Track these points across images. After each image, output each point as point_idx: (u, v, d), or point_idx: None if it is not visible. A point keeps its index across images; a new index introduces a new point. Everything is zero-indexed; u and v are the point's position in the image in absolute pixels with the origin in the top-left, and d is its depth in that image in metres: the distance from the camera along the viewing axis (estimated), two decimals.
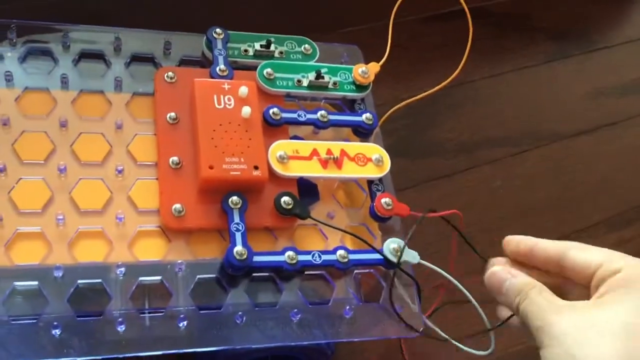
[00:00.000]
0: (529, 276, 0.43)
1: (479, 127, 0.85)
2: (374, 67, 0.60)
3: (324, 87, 0.58)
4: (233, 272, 0.49)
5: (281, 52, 0.60)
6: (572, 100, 0.94)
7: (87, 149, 0.51)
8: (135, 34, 0.57)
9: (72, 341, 0.44)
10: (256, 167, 0.51)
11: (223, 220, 0.50)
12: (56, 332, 0.44)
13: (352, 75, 0.59)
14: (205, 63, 0.58)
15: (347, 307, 0.50)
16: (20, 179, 0.49)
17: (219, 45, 0.57)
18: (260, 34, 0.60)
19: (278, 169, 0.52)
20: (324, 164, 0.54)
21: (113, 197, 0.50)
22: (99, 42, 0.56)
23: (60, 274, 0.45)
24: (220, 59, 0.56)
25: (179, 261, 0.48)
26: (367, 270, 0.53)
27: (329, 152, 0.54)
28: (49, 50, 0.55)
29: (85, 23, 0.57)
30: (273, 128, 0.55)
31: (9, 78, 0.52)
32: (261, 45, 0.59)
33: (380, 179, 0.56)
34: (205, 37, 0.58)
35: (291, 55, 0.60)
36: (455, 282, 0.51)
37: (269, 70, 0.57)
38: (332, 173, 0.54)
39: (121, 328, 0.45)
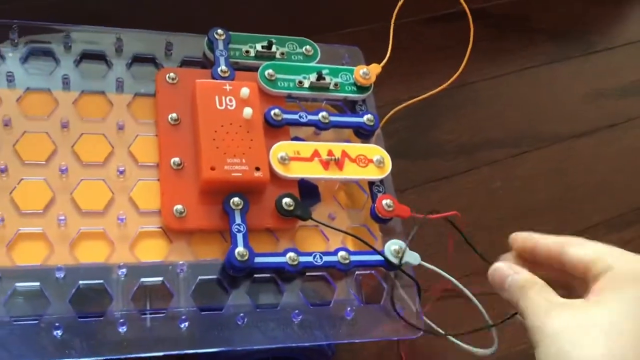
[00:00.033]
0: (531, 273, 0.43)
1: (478, 129, 0.85)
2: (375, 69, 0.60)
3: (325, 89, 0.58)
4: (234, 273, 0.49)
5: (282, 53, 0.60)
6: (572, 102, 0.94)
7: (89, 150, 0.51)
8: (137, 35, 0.57)
9: (73, 342, 0.44)
10: (257, 169, 0.51)
11: (224, 221, 0.50)
12: (57, 332, 0.44)
13: (354, 76, 0.59)
14: (206, 64, 0.58)
15: (348, 308, 0.50)
16: (22, 179, 0.49)
17: (221, 46, 0.57)
18: (261, 35, 0.60)
19: (279, 170, 0.52)
20: (325, 165, 0.54)
21: (114, 197, 0.50)
22: (100, 43, 0.56)
23: (62, 275, 0.45)
24: (222, 60, 0.56)
25: (181, 262, 0.48)
26: (368, 272, 0.53)
27: (330, 153, 0.54)
28: (51, 50, 0.55)
29: (85, 23, 0.57)
30: (274, 129, 0.55)
31: (10, 78, 0.52)
32: (262, 46, 0.59)
33: (381, 181, 0.56)
34: (206, 38, 0.58)
35: (292, 57, 0.60)
36: (456, 282, 0.51)
37: (270, 71, 0.57)
38: (333, 174, 0.54)
39: (122, 329, 0.45)
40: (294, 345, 0.49)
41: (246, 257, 0.48)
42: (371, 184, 0.56)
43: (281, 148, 0.53)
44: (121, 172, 0.51)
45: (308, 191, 0.54)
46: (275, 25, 0.65)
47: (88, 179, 0.50)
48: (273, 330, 0.48)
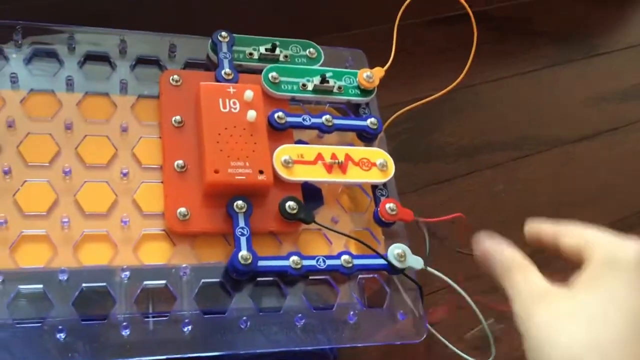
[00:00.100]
0: (517, 251, 0.42)
1: (480, 132, 0.85)
2: (378, 72, 0.60)
3: (329, 92, 0.58)
4: (237, 277, 0.49)
5: (286, 56, 0.59)
6: (574, 105, 0.94)
7: (92, 152, 0.51)
8: (141, 37, 0.57)
9: (76, 345, 0.44)
10: (261, 172, 0.51)
11: (228, 224, 0.50)
12: (61, 335, 0.44)
13: (357, 79, 0.59)
14: (210, 66, 0.58)
15: (351, 312, 0.50)
16: (25, 181, 0.49)
17: (224, 48, 0.57)
18: (265, 38, 0.60)
19: (283, 173, 0.52)
20: (329, 168, 0.54)
21: (118, 200, 0.50)
22: (104, 44, 0.56)
23: (65, 277, 0.45)
24: (226, 63, 0.56)
25: (184, 265, 0.48)
26: (370, 275, 0.53)
27: (333, 156, 0.54)
28: (55, 52, 0.54)
29: (85, 23, 0.57)
30: (278, 132, 0.55)
31: (14, 79, 0.52)
32: (266, 49, 0.59)
33: (384, 184, 0.56)
34: (210, 40, 0.58)
35: (296, 59, 0.60)
36: (456, 286, 0.51)
37: (274, 74, 0.57)
38: (336, 178, 0.54)
39: (125, 332, 0.45)
40: (296, 349, 0.49)
41: (250, 261, 0.48)
42: (374, 187, 0.56)
43: (285, 151, 0.53)
44: (125, 174, 0.51)
45: (311, 194, 0.54)
46: (276, 26, 0.65)
47: (91, 181, 0.50)
48: (276, 334, 0.48)
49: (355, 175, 0.55)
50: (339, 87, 0.59)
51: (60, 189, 0.49)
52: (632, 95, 0.97)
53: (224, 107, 0.52)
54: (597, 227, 0.41)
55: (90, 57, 0.55)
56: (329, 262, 0.51)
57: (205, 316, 0.47)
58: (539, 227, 0.44)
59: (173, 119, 0.53)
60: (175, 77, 0.54)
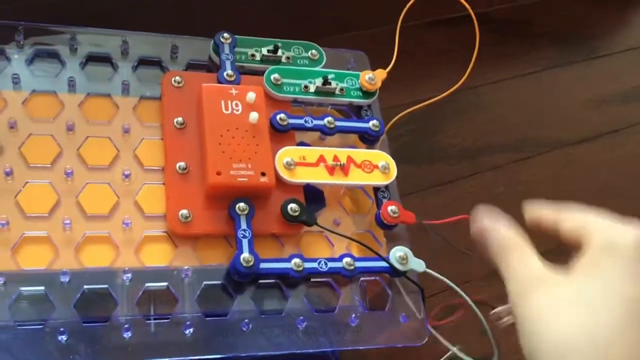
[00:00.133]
0: (513, 229, 0.41)
1: (481, 133, 0.85)
2: (380, 74, 0.60)
3: (331, 93, 0.58)
4: (239, 279, 0.48)
5: (288, 58, 0.59)
6: (574, 107, 0.94)
7: (94, 153, 0.51)
8: (143, 38, 0.57)
9: (78, 347, 0.44)
10: (263, 174, 0.50)
11: (230, 226, 0.49)
12: (62, 337, 0.43)
13: (359, 81, 0.59)
14: (212, 67, 0.58)
15: (353, 315, 0.50)
16: (27, 182, 0.48)
17: (227, 49, 0.57)
18: (267, 39, 0.59)
19: (285, 175, 0.52)
20: (331, 170, 0.54)
21: (120, 201, 0.50)
22: (106, 45, 0.56)
23: (67, 279, 0.45)
24: (228, 64, 0.56)
25: (185, 267, 0.48)
26: (372, 278, 0.53)
27: (335, 158, 0.54)
28: (57, 52, 0.54)
29: (86, 23, 0.57)
30: (280, 134, 0.55)
31: (16, 80, 0.52)
32: (268, 50, 0.59)
33: (386, 186, 0.56)
34: (212, 42, 0.57)
35: (298, 61, 0.60)
36: (457, 288, 0.51)
37: (276, 75, 0.57)
38: (338, 180, 0.54)
39: (127, 334, 0.45)
40: (298, 351, 0.48)
41: (251, 263, 0.48)
42: (376, 189, 0.56)
43: (287, 153, 0.53)
44: (126, 176, 0.50)
45: (313, 196, 0.54)
46: (276, 27, 0.65)
47: (93, 183, 0.50)
48: (278, 336, 0.48)
49: (357, 178, 0.54)
50: (341, 89, 0.58)
51: (61, 191, 0.49)
52: (632, 98, 0.97)
53: (226, 109, 0.52)
54: (597, 211, 0.41)
55: (92, 58, 0.55)
56: (330, 264, 0.51)
57: (207, 318, 0.47)
58: (539, 212, 0.43)
59: (175, 120, 0.52)
60: (177, 78, 0.54)
